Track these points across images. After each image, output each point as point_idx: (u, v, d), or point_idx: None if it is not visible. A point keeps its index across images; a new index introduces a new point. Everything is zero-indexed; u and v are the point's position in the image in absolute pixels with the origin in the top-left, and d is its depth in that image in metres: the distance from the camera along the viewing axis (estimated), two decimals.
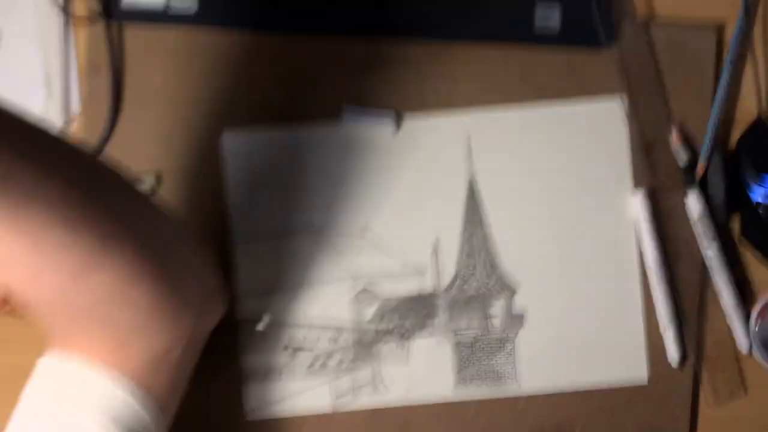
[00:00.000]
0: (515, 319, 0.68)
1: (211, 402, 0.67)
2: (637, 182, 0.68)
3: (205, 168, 0.67)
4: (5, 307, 0.61)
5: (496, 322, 0.68)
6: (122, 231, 0.47)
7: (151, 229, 0.50)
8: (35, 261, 0.44)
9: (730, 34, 0.68)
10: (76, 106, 0.67)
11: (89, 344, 0.50)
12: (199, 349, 0.57)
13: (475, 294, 0.68)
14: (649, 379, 0.68)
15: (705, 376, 0.68)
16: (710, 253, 0.67)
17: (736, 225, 0.69)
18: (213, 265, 0.56)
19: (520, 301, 0.68)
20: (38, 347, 0.52)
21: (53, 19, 0.66)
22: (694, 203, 0.67)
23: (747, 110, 0.69)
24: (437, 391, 0.68)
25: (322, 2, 0.67)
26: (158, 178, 0.67)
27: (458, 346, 0.68)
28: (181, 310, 0.51)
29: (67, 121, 0.67)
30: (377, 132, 0.67)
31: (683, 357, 0.68)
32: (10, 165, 0.41)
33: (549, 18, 0.67)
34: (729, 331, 0.68)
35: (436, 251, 0.68)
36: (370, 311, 0.68)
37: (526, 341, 0.68)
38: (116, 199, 0.49)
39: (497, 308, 0.68)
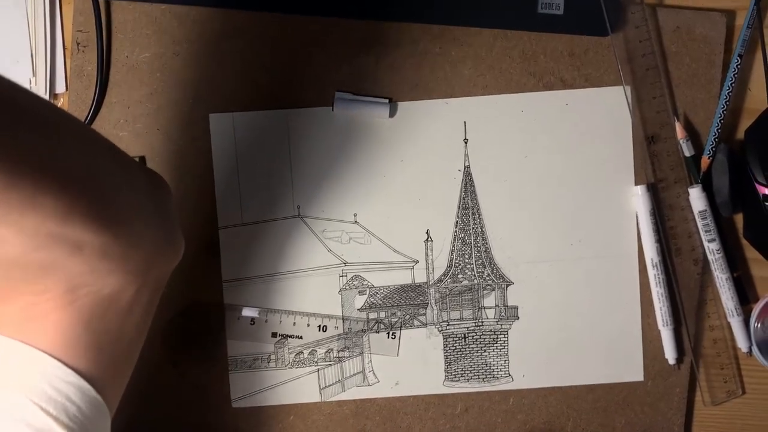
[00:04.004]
0: (509, 312, 0.66)
1: (198, 389, 0.66)
2: (639, 175, 0.66)
3: (192, 150, 0.65)
4: None
5: (490, 314, 0.66)
6: (48, 165, 0.41)
7: (87, 164, 0.44)
8: None
9: (741, 20, 0.66)
10: (61, 83, 0.65)
11: (31, 295, 0.45)
12: (155, 298, 0.52)
13: (468, 285, 0.66)
14: (645, 377, 0.66)
15: (702, 375, 0.67)
16: (712, 249, 0.65)
17: (739, 221, 0.67)
18: (166, 209, 0.51)
19: (514, 294, 0.66)
20: None
21: None
22: (696, 198, 0.65)
23: (756, 101, 0.66)
24: (427, 384, 0.66)
25: None
26: (142, 163, 0.65)
27: (450, 338, 0.66)
28: (130, 253, 0.46)
29: (52, 100, 0.65)
30: (370, 117, 0.65)
31: (680, 355, 0.66)
32: None
33: (552, 3, 0.64)
34: (729, 330, 0.67)
35: (429, 240, 0.66)
36: (361, 300, 0.66)
37: (519, 335, 0.66)
38: (37, 127, 0.42)
39: (491, 300, 0.66)
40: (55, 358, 0.46)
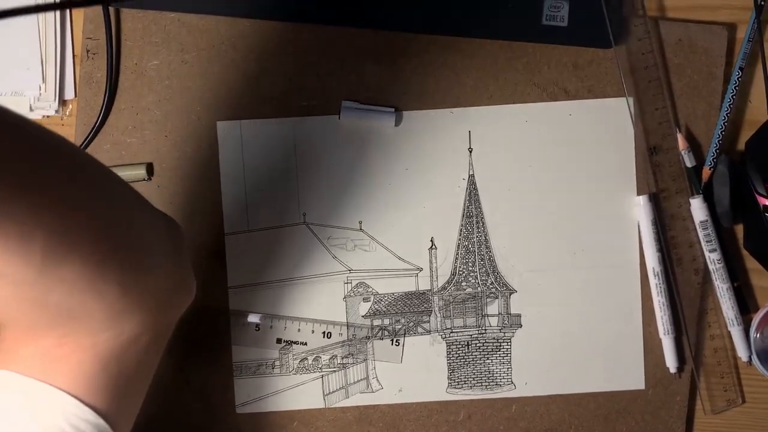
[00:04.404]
0: (512, 320, 0.67)
1: (202, 395, 0.66)
2: (641, 185, 0.67)
3: (199, 157, 0.66)
4: None
5: (493, 322, 0.67)
6: (91, 217, 0.44)
7: (120, 214, 0.47)
8: None
9: (742, 34, 0.67)
10: (70, 90, 0.66)
11: (54, 338, 0.47)
12: (167, 337, 0.54)
13: (472, 293, 0.67)
14: (646, 385, 0.67)
15: (702, 384, 0.67)
16: (713, 259, 0.66)
17: (740, 231, 0.67)
18: (182, 253, 0.53)
19: (517, 302, 0.67)
20: None
21: (50, 2, 0.65)
22: (697, 208, 0.66)
23: (757, 113, 0.67)
24: (430, 391, 0.67)
25: None
26: (149, 169, 0.65)
27: (453, 345, 0.67)
28: (149, 299, 0.48)
29: (61, 106, 0.66)
30: (376, 126, 0.66)
31: (681, 363, 0.67)
32: None
33: (556, 15, 0.65)
34: (729, 339, 0.67)
35: (433, 248, 0.67)
36: (365, 307, 0.67)
37: (522, 343, 0.67)
38: (83, 181, 0.44)
39: (494, 308, 0.67)
40: (74, 396, 0.48)
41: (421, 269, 0.67)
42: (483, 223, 0.67)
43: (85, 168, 0.46)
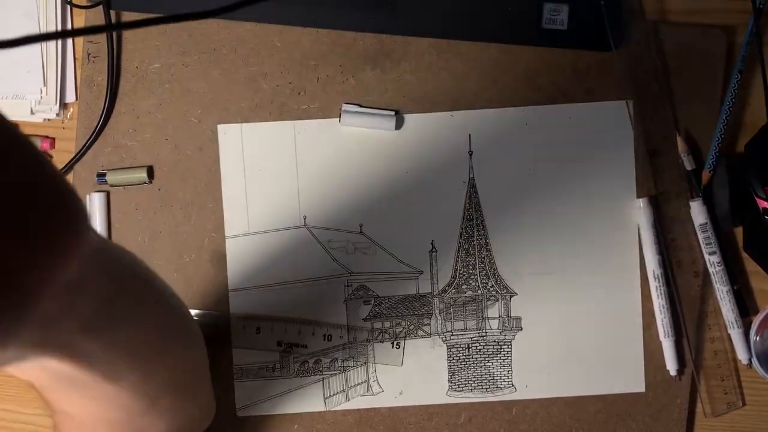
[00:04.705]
0: (513, 323, 0.67)
1: None
2: (641, 188, 0.67)
3: (199, 160, 0.66)
4: None
5: (494, 324, 0.67)
6: (185, 358, 0.51)
7: (196, 359, 0.54)
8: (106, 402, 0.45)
9: (741, 37, 0.67)
10: (71, 93, 0.66)
11: None
12: None
13: (472, 296, 0.67)
14: (647, 388, 0.67)
15: (703, 386, 0.67)
16: (712, 261, 0.66)
17: (739, 234, 0.68)
18: (209, 375, 0.59)
19: (518, 305, 0.67)
20: None
21: (51, 5, 0.65)
22: (697, 211, 0.66)
23: (756, 116, 0.67)
24: (430, 394, 0.67)
25: None
26: (150, 173, 0.66)
27: (453, 348, 0.67)
28: (188, 423, 0.55)
29: (62, 109, 0.66)
30: (377, 130, 0.66)
31: (681, 366, 0.67)
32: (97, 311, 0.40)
33: (556, 18, 0.65)
34: (729, 342, 0.67)
35: (433, 251, 0.67)
36: (366, 310, 0.67)
37: (522, 345, 0.67)
38: (191, 337, 0.53)
39: (495, 311, 0.67)
40: None
41: (421, 272, 0.67)
42: (483, 226, 0.67)
43: (187, 319, 0.53)
